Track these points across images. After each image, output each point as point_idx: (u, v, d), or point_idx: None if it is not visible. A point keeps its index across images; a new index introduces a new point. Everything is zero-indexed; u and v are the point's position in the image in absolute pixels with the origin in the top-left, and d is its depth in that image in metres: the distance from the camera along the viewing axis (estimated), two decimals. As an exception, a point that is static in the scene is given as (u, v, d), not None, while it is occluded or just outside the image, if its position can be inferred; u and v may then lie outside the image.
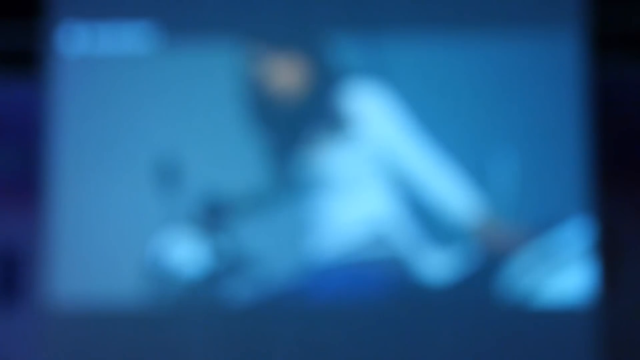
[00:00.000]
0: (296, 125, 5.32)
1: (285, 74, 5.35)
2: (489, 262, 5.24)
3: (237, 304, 5.28)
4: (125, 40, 5.40)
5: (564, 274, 5.22)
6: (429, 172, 5.28)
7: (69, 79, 5.40)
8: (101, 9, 5.43)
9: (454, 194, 5.26)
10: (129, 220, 5.36)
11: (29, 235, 5.86)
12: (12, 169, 6.76)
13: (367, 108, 5.30)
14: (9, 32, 5.97)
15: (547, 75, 5.32)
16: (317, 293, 5.30)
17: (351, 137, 5.30)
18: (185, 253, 5.31)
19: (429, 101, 5.37)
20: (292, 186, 5.32)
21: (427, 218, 5.29)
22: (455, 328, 5.24)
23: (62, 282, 5.33)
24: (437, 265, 5.25)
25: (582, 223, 5.23)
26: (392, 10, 5.37)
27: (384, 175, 5.28)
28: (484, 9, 5.34)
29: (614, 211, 6.10)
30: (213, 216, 5.28)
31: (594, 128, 5.26)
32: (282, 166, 5.32)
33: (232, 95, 5.34)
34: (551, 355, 5.17)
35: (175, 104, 5.38)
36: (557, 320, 5.17)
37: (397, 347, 5.25)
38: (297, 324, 5.28)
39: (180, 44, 5.38)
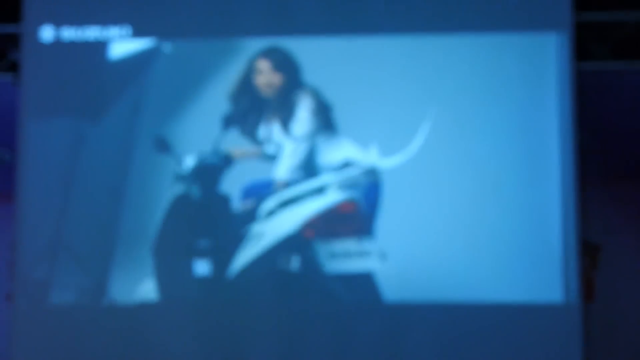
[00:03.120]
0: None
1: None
2: (468, 258, 5.21)
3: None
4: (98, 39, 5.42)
5: (545, 269, 5.16)
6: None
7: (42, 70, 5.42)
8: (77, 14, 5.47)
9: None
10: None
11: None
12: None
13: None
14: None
15: (531, 76, 5.29)
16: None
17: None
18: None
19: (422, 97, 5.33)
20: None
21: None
22: (437, 323, 5.18)
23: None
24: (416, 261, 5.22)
25: (563, 215, 5.18)
26: (385, 17, 5.37)
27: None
28: (474, 17, 5.31)
29: (591, 207, 6.13)
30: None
31: (574, 126, 5.25)
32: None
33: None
34: (533, 349, 5.13)
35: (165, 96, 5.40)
36: (537, 315, 5.13)
37: (385, 343, 5.20)
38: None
39: (158, 48, 5.41)
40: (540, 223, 5.21)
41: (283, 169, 5.26)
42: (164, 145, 5.30)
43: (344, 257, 5.19)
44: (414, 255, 5.21)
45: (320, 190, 5.28)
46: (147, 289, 5.27)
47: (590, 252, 6.67)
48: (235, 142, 5.31)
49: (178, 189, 5.31)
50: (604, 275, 6.72)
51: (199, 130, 5.35)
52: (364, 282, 5.21)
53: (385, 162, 5.24)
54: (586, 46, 5.82)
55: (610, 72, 5.88)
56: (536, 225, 5.20)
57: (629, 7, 5.81)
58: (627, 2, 5.84)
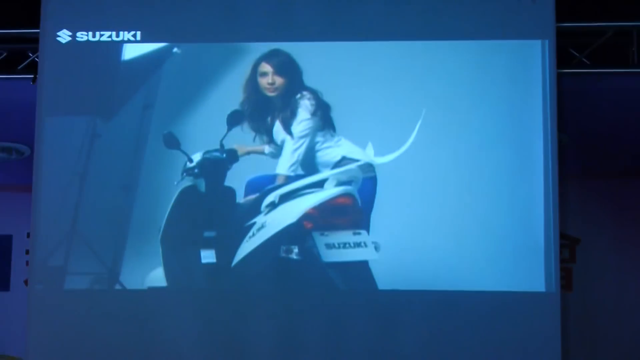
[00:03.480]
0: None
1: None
2: (457, 250, 5.28)
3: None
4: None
5: (528, 260, 5.26)
6: None
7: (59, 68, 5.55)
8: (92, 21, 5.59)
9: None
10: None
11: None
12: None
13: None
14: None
15: (517, 80, 5.39)
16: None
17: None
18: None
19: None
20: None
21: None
22: (427, 309, 5.27)
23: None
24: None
25: (545, 211, 5.28)
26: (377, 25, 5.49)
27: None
28: (465, 26, 5.42)
29: (571, 203, 6.31)
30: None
31: (555, 127, 5.34)
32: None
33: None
34: (516, 334, 5.21)
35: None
36: (520, 302, 5.22)
37: (374, 333, 5.30)
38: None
39: (168, 51, 5.53)
40: (524, 218, 5.30)
41: (284, 165, 5.38)
42: (173, 141, 5.41)
43: (341, 248, 5.31)
44: (406, 247, 5.30)
45: (319, 185, 5.38)
46: (156, 276, 5.37)
47: (569, 245, 6.77)
48: (239, 140, 5.43)
49: (186, 182, 5.42)
50: (581, 267, 6.82)
51: (206, 127, 5.45)
52: (360, 271, 5.31)
53: (380, 159, 5.36)
54: (566, 52, 6.04)
55: (589, 75, 6.08)
56: (520, 220, 5.30)
57: (605, 19, 6.02)
58: (603, 14, 6.02)
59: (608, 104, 6.30)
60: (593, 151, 6.71)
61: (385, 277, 5.32)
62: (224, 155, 5.43)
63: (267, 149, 5.43)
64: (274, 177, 5.43)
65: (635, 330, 6.69)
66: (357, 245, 5.34)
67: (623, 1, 6.09)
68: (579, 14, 6.02)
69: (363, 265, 5.32)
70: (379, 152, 5.40)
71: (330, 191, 5.38)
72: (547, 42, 5.39)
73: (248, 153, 5.43)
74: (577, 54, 6.13)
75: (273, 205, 5.38)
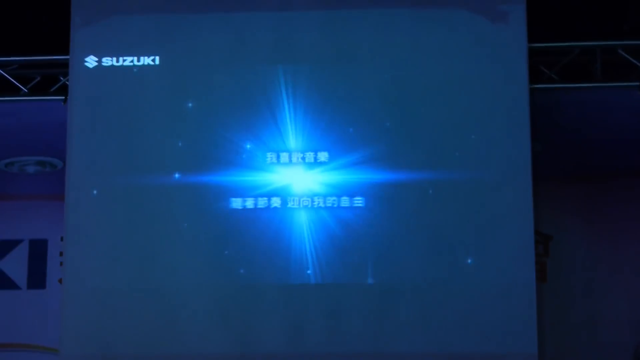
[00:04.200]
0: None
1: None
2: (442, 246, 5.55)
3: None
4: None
5: (505, 257, 5.52)
6: None
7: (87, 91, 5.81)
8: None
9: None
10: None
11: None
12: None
13: None
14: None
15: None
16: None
17: None
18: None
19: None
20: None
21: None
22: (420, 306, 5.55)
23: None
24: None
25: (521, 212, 5.56)
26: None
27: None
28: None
29: (543, 204, 6.37)
30: None
31: (529, 136, 5.62)
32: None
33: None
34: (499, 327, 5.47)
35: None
36: (501, 293, 5.49)
37: (363, 321, 5.58)
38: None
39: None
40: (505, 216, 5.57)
41: (289, 176, 5.70)
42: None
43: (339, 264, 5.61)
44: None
45: (316, 196, 5.69)
46: (178, 276, 5.67)
47: (543, 241, 6.89)
48: (247, 152, 5.74)
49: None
50: (554, 260, 6.96)
51: (222, 139, 5.75)
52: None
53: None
54: (538, 69, 6.18)
55: (558, 90, 6.15)
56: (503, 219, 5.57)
57: (571, 39, 6.21)
58: (572, 34, 6.24)
59: (575, 115, 6.39)
60: (562, 158, 6.83)
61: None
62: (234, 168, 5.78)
63: (272, 161, 5.78)
64: (278, 188, 5.79)
65: (602, 314, 6.93)
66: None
67: (587, 23, 6.32)
68: (548, 35, 6.17)
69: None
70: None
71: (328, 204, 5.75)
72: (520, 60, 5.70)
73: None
74: (547, 71, 6.26)
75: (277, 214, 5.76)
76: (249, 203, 5.74)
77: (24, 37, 6.51)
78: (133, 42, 5.89)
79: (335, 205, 5.73)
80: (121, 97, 5.87)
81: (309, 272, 5.64)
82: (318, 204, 5.72)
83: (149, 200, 5.79)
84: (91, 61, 5.90)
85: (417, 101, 5.77)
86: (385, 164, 5.72)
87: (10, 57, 6.38)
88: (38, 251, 7.47)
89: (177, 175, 5.78)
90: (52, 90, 6.43)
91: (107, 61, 5.89)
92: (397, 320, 5.59)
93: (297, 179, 5.76)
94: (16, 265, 7.48)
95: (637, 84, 6.10)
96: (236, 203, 5.77)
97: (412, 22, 5.83)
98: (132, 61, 5.88)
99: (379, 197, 5.72)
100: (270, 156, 5.79)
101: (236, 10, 5.87)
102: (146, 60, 5.87)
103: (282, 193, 5.76)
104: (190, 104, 5.83)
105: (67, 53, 5.99)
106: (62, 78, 6.41)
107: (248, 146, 5.77)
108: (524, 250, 5.58)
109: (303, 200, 5.73)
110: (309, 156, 5.79)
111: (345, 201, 5.74)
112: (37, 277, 7.43)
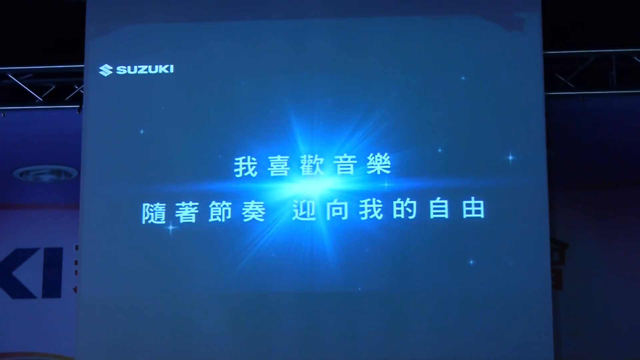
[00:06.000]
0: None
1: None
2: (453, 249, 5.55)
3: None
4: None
5: (521, 265, 5.51)
6: None
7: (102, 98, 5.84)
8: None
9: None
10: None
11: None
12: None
13: None
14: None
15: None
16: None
17: None
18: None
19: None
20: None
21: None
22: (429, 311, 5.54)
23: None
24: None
25: (537, 219, 5.54)
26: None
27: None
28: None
29: (560, 211, 6.48)
30: None
31: (545, 142, 5.62)
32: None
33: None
34: (512, 332, 5.46)
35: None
36: (517, 301, 5.48)
37: (378, 329, 5.57)
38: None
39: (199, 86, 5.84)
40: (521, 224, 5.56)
41: (302, 185, 5.71)
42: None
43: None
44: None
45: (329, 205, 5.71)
46: (194, 285, 5.67)
47: (559, 248, 6.89)
48: (260, 159, 5.78)
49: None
50: (570, 268, 6.95)
51: (235, 146, 5.78)
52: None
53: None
54: (553, 77, 6.18)
55: (573, 97, 6.14)
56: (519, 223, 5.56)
57: (586, 47, 6.22)
58: (586, 43, 6.25)
59: (590, 123, 6.41)
60: (578, 165, 6.84)
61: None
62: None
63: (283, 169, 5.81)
64: (286, 198, 5.82)
65: (618, 321, 6.90)
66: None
67: (603, 30, 6.31)
68: (564, 43, 6.22)
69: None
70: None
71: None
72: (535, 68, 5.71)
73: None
74: (563, 79, 6.27)
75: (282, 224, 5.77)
76: (262, 211, 5.77)
77: (38, 46, 6.54)
78: (147, 51, 5.92)
79: (348, 214, 5.74)
80: (136, 106, 5.89)
81: (322, 280, 5.65)
82: (331, 212, 5.73)
83: (165, 209, 5.80)
84: (106, 70, 5.93)
85: (431, 109, 5.77)
86: (400, 172, 5.72)
87: (25, 66, 6.41)
88: (53, 260, 7.49)
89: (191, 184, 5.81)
90: (66, 99, 6.47)
91: (121, 70, 5.92)
92: (412, 329, 5.59)
93: (311, 187, 5.76)
94: (31, 274, 7.51)
95: (653, 91, 6.13)
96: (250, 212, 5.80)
97: (427, 30, 5.84)
98: (146, 70, 5.90)
99: (393, 205, 5.72)
100: (285, 164, 5.81)
101: (250, 18, 5.88)
102: (160, 68, 5.89)
103: (295, 202, 5.77)
104: (204, 112, 5.86)
105: (81, 62, 6.02)
106: (76, 87, 6.45)
107: (260, 154, 5.80)
108: (539, 257, 5.57)
109: (316, 209, 5.74)
110: (323, 163, 5.81)
111: (359, 210, 5.75)
112: (52, 286, 7.45)
